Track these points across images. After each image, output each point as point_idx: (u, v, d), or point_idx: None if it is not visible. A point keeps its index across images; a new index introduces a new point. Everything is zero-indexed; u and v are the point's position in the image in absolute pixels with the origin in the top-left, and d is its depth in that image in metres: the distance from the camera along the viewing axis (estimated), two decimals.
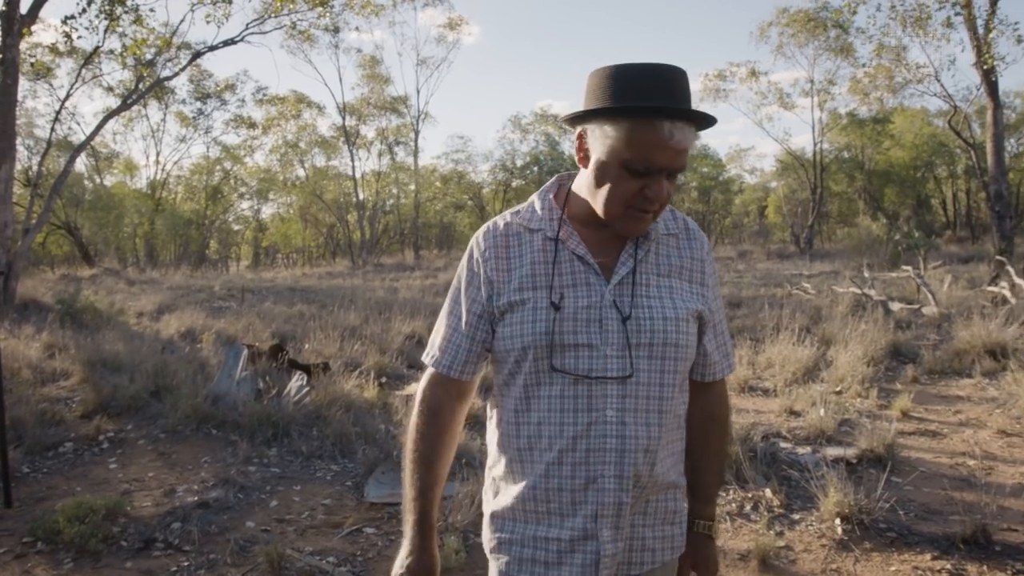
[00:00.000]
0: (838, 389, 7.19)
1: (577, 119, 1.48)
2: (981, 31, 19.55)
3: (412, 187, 42.22)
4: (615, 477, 1.47)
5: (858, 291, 12.34)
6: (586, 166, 1.50)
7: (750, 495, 4.54)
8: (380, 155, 42.61)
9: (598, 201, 1.49)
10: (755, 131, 77.41)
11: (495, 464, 1.62)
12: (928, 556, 3.78)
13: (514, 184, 43.09)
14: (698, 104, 47.10)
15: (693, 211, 54.14)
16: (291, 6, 18.66)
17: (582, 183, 1.54)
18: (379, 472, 4.88)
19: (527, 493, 1.53)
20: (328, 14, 20.79)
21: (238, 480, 4.89)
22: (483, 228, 1.62)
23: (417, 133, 41.79)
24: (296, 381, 6.57)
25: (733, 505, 4.46)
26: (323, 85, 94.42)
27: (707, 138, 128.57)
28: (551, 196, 1.61)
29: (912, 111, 40.27)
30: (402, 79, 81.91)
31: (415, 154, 42.69)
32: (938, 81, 25.24)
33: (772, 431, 5.78)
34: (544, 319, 1.48)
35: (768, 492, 4.52)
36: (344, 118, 39.05)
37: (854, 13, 22.15)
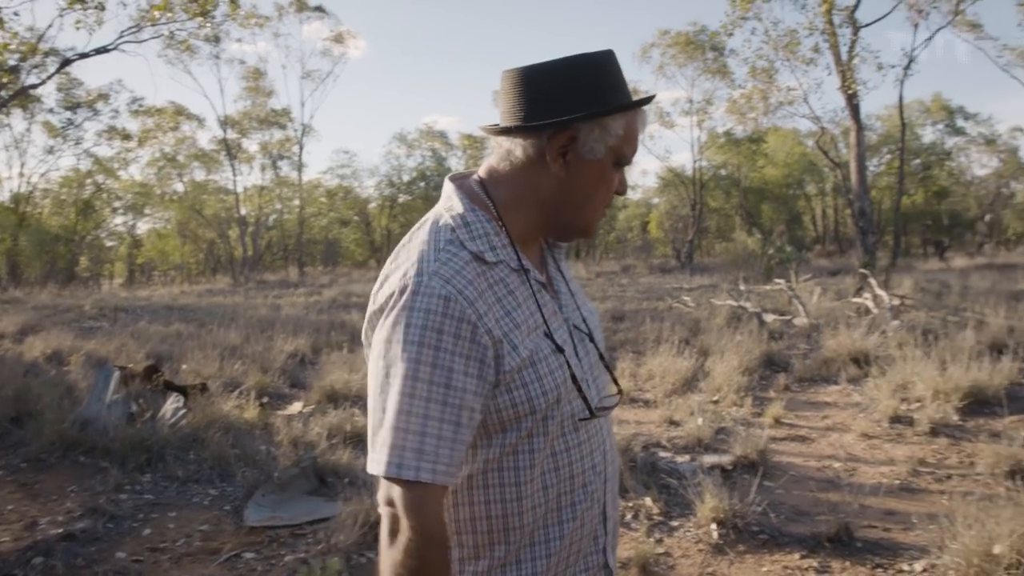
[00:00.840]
0: (715, 399, 7.45)
1: (562, 121, 1.27)
2: (845, 58, 20.72)
3: (296, 202, 41.49)
4: (612, 501, 1.43)
5: (735, 303, 12.82)
6: (564, 173, 1.31)
7: (631, 504, 4.64)
8: (263, 169, 41.72)
9: (577, 208, 1.35)
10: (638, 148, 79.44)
11: (481, 558, 1.30)
12: (797, 555, 3.95)
13: (400, 199, 42.93)
14: None
15: None
16: (169, 15, 18.11)
17: (518, 194, 1.33)
18: (259, 495, 4.76)
19: (559, 556, 1.34)
20: (209, 24, 20.28)
21: (108, 509, 4.67)
22: (445, 268, 1.22)
23: (301, 147, 41.10)
24: (172, 403, 6.34)
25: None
26: (203, 97, 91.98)
27: None
28: (480, 212, 1.32)
29: (784, 131, 42.25)
30: (286, 92, 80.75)
31: (299, 169, 41.97)
32: (807, 103, 26.62)
33: (652, 441, 5.94)
34: (561, 363, 1.30)
35: (648, 500, 4.63)
36: (225, 131, 38.05)
37: (730, 35, 23.15)
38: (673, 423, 6.52)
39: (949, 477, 5.17)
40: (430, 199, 42.05)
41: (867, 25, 22.38)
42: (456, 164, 44.98)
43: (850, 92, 20.44)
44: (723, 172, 44.42)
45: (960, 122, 45.94)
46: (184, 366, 8.69)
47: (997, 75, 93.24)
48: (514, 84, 1.29)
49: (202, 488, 5.12)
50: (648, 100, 1.35)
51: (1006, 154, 47.97)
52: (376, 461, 1.18)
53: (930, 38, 26.38)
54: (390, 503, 1.19)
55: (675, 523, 4.43)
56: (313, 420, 6.20)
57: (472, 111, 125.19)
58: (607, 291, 21.08)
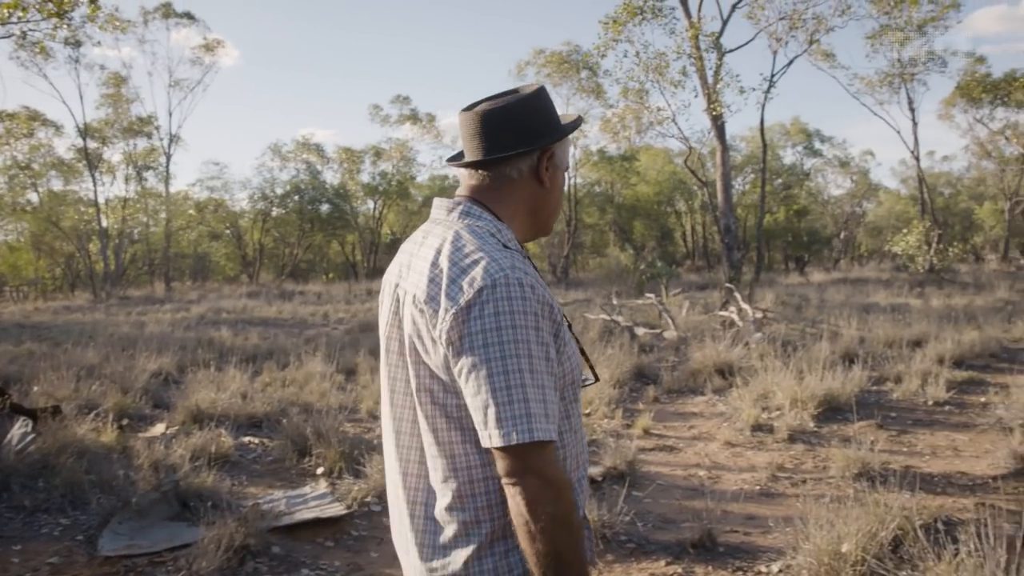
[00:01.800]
0: (587, 411, 7.57)
1: (547, 141, 1.58)
2: (711, 81, 21.59)
3: (163, 215, 39.84)
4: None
5: (607, 317, 13.11)
6: (546, 184, 1.61)
7: None
8: (127, 180, 39.88)
9: (553, 210, 1.66)
10: None
11: (501, 539, 1.45)
12: (663, 562, 4.06)
13: (274, 213, 41.87)
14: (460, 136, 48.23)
15: None
16: (21, 14, 17.12)
17: (515, 206, 1.60)
18: (115, 522, 4.52)
19: (583, 497, 1.62)
20: (66, 26, 19.29)
21: None
22: (517, 263, 1.45)
23: (169, 157, 39.54)
24: (19, 428, 5.94)
25: None
26: (61, 103, 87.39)
27: None
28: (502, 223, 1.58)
29: (656, 150, 43.63)
30: (153, 100, 77.61)
31: (166, 180, 40.35)
32: (676, 124, 27.52)
33: None
34: (571, 339, 1.54)
35: None
36: (85, 139, 36.21)
37: (603, 57, 23.74)
38: None
39: (804, 481, 5.43)
40: (305, 213, 41.21)
41: (731, 51, 23.39)
42: (332, 178, 44.26)
43: (715, 114, 21.31)
44: (597, 189, 45.44)
45: (817, 144, 48.61)
46: (36, 388, 8.17)
47: (850, 101, 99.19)
48: (501, 120, 1.55)
49: (52, 518, 4.82)
50: (582, 120, 1.70)
51: (858, 176, 51.08)
52: (507, 433, 1.32)
53: (788, 65, 27.78)
54: (517, 467, 1.34)
55: None
56: (176, 442, 5.94)
57: (349, 124, 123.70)
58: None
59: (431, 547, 1.50)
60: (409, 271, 1.53)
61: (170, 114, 38.76)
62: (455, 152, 1.69)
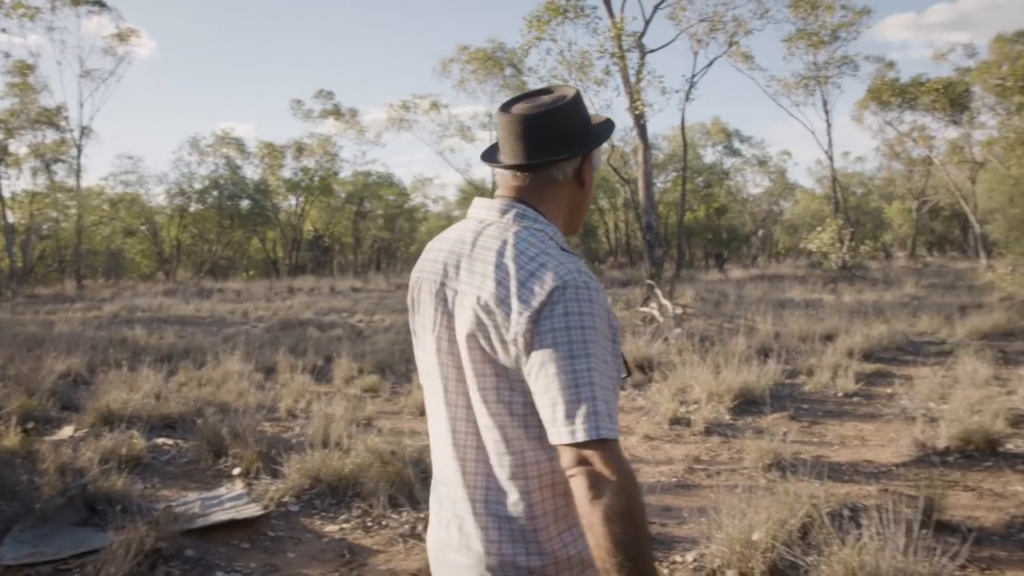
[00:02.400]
0: None
1: (592, 145, 1.64)
2: (633, 81, 21.87)
3: (74, 210, 38.44)
4: None
5: None
6: (586, 186, 1.67)
7: (423, 515, 4.64)
8: (35, 174, 38.34)
9: (586, 210, 1.73)
10: (439, 161, 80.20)
11: (567, 530, 1.52)
12: None
13: (192, 208, 40.81)
14: (383, 132, 47.71)
15: (379, 238, 54.69)
16: None
17: (558, 206, 1.65)
18: (18, 529, 4.35)
19: None
20: None
21: None
22: (582, 266, 1.50)
23: (80, 150, 38.15)
24: None
25: (406, 527, 4.54)
26: None
27: (393, 167, 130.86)
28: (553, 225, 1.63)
29: None
30: (63, 91, 74.72)
31: (77, 174, 38.91)
32: None
33: None
34: None
35: None
36: None
37: (526, 55, 23.84)
38: None
39: (719, 472, 5.55)
40: (224, 209, 40.29)
41: (653, 51, 23.71)
42: (252, 173, 43.39)
43: (638, 113, 21.59)
44: None
45: (737, 144, 49.72)
46: None
47: (768, 102, 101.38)
48: (550, 124, 1.59)
49: None
50: (613, 124, 1.76)
51: (776, 175, 52.43)
52: (580, 429, 1.35)
53: (708, 66, 28.38)
54: (583, 462, 1.36)
55: None
56: (85, 444, 5.75)
57: (271, 119, 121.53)
58: (404, 302, 21.04)
59: (497, 541, 1.51)
60: (462, 271, 1.55)
61: (81, 105, 37.28)
62: (486, 153, 1.74)
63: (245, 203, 41.25)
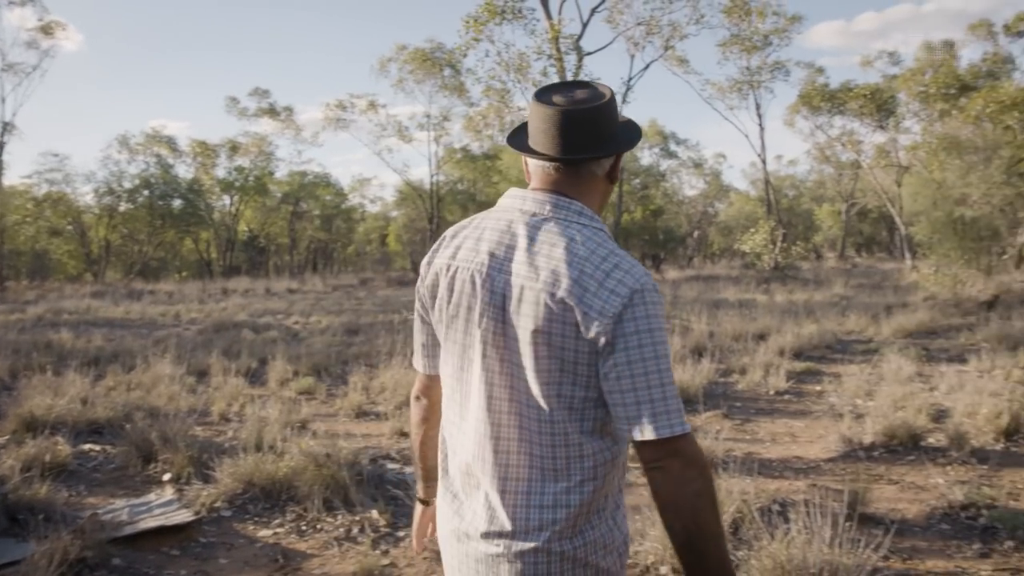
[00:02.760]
0: None
1: (631, 144, 1.68)
2: None
3: None
4: None
5: None
6: (614, 182, 1.70)
7: (358, 518, 4.60)
8: None
9: (605, 206, 1.76)
10: (377, 161, 79.63)
11: (609, 496, 1.60)
12: None
13: (122, 208, 39.76)
14: (320, 132, 47.22)
15: (315, 239, 54.06)
16: None
17: (593, 200, 1.66)
18: None
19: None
20: None
21: None
22: (641, 266, 1.56)
23: (2, 147, 36.90)
24: None
25: (341, 530, 4.49)
26: None
27: (330, 167, 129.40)
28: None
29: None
30: None
31: None
32: None
33: (381, 454, 5.94)
34: None
35: (375, 513, 4.62)
36: None
37: (464, 56, 23.83)
38: (403, 435, 6.56)
39: None
40: (156, 209, 39.37)
41: (590, 53, 23.98)
42: (185, 172, 42.48)
43: None
44: (460, 187, 45.57)
45: (673, 147, 50.44)
46: None
47: (703, 105, 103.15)
48: (595, 120, 1.60)
49: None
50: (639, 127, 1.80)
51: (711, 177, 53.38)
52: (665, 426, 1.45)
53: (645, 69, 28.70)
54: (673, 454, 1.45)
55: (401, 533, 4.45)
56: (6, 452, 5.56)
57: (204, 117, 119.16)
58: (343, 305, 20.87)
59: (538, 529, 1.54)
60: (520, 264, 1.55)
61: (3, 101, 36.06)
62: (513, 139, 1.73)
63: (177, 203, 40.38)
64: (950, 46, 34.87)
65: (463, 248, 1.64)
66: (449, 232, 1.72)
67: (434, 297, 1.69)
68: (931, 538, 4.27)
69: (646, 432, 1.45)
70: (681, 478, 1.45)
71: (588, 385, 1.52)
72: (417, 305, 1.77)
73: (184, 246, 47.42)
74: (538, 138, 1.63)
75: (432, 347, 1.78)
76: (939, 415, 6.76)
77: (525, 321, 1.52)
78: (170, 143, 41.55)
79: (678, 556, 1.49)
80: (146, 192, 39.38)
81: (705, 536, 1.44)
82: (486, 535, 1.58)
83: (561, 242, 1.53)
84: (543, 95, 1.65)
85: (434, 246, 1.72)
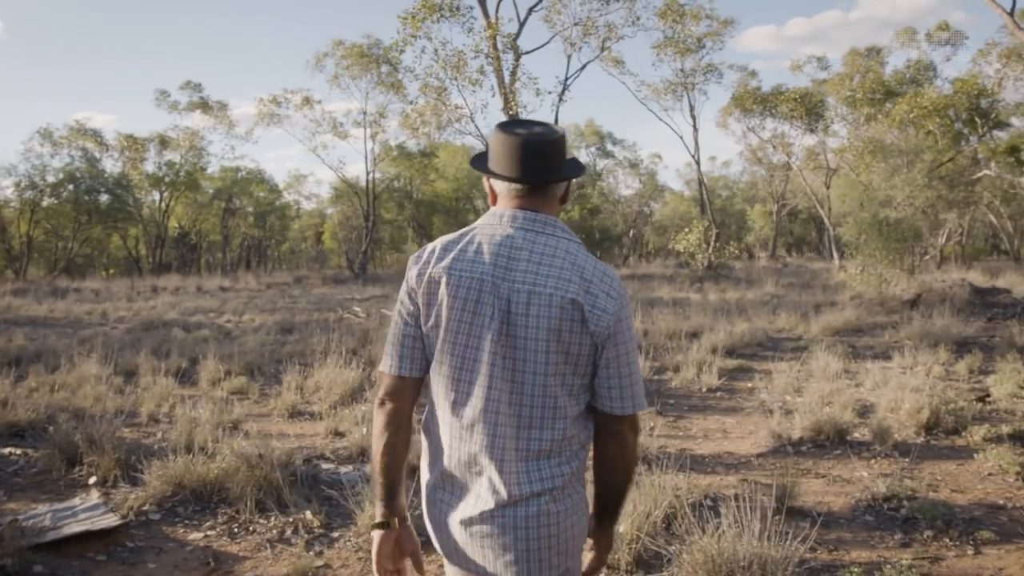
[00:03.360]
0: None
1: (583, 171, 1.99)
2: (508, 81, 22.06)
3: None
4: None
5: None
6: (563, 202, 1.96)
7: (291, 519, 4.54)
8: None
9: None
10: (312, 158, 78.63)
11: (582, 469, 1.89)
12: None
13: (45, 203, 38.44)
14: (254, 127, 46.46)
15: (249, 236, 53.14)
16: None
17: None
18: None
19: None
20: None
21: None
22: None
23: None
24: None
25: (274, 532, 4.43)
26: None
27: (265, 163, 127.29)
28: None
29: (454, 147, 43.99)
30: None
31: None
32: (474, 122, 27.87)
33: (315, 454, 5.87)
34: None
35: (308, 514, 4.56)
36: None
37: (401, 52, 23.65)
38: (338, 434, 6.50)
39: (587, 468, 5.66)
40: (81, 204, 38.16)
41: (528, 52, 24.03)
42: (112, 167, 41.28)
43: (512, 114, 21.79)
44: (396, 184, 45.24)
45: (609, 146, 50.91)
46: None
47: (639, 106, 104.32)
48: (560, 147, 1.87)
49: None
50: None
51: (646, 177, 54.00)
52: (640, 404, 1.85)
53: (582, 69, 28.88)
54: (632, 426, 1.88)
55: (336, 534, 4.40)
56: None
57: (133, 110, 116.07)
58: (277, 303, 20.56)
59: (537, 495, 1.80)
60: (523, 273, 1.78)
61: None
62: (479, 163, 1.98)
63: (104, 198, 39.17)
64: (876, 52, 35.87)
65: (461, 260, 1.82)
66: (438, 244, 1.89)
67: (429, 304, 1.84)
68: (856, 529, 4.40)
69: (626, 408, 1.82)
70: (632, 444, 1.88)
71: (584, 373, 1.82)
72: (403, 311, 1.89)
73: (111, 243, 46.13)
74: (504, 163, 1.85)
75: (413, 350, 1.87)
76: (864, 410, 6.96)
77: (536, 321, 1.75)
78: (96, 136, 40.27)
79: (612, 504, 1.95)
80: (71, 187, 38.10)
81: (630, 487, 1.97)
82: (493, 511, 1.80)
83: (559, 253, 1.80)
84: (507, 127, 1.88)
85: (422, 257, 1.88)
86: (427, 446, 1.92)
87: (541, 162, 1.83)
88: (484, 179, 1.97)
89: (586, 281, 1.77)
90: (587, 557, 2.01)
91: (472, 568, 1.86)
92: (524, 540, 1.79)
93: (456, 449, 1.83)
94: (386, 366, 1.89)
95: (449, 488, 1.86)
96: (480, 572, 1.85)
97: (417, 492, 4.85)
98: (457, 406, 1.82)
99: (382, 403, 1.89)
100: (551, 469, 1.80)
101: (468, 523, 1.82)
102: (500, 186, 1.89)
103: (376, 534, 1.91)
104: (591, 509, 1.99)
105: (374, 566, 1.93)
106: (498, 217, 1.87)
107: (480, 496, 1.81)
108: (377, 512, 1.91)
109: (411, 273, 1.88)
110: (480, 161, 1.95)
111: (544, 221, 1.84)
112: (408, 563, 1.95)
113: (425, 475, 1.92)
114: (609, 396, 1.81)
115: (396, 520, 1.90)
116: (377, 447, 1.89)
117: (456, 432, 1.83)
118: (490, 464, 1.79)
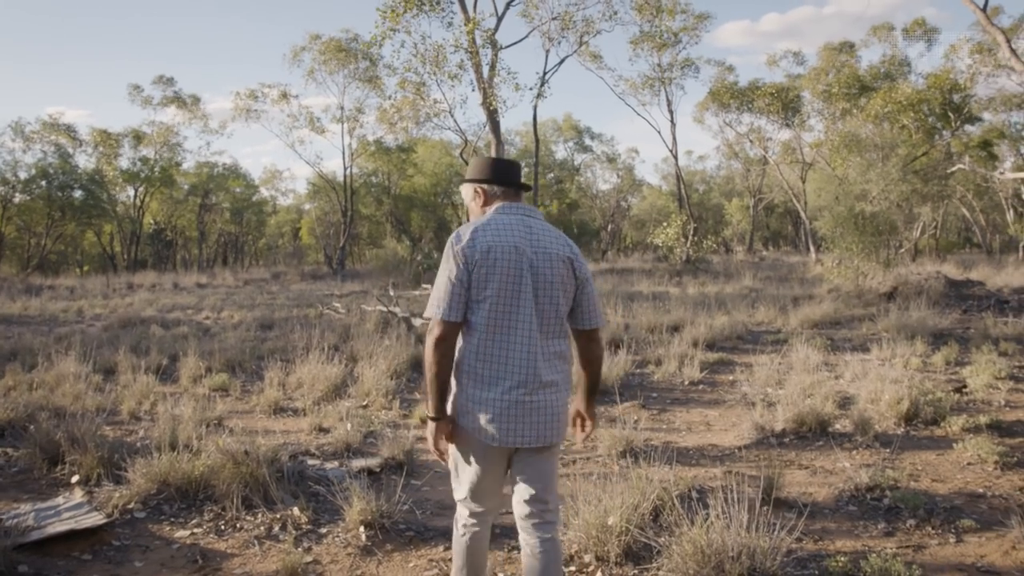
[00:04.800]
0: (365, 403, 7.52)
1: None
2: (487, 76, 22.00)
3: None
4: None
5: (384, 309, 13.05)
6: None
7: (279, 516, 4.52)
8: None
9: None
10: (289, 153, 78.06)
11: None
12: (441, 548, 4.12)
13: (17, 199, 37.93)
14: (230, 122, 46.08)
15: (225, 232, 52.75)
16: None
17: None
18: None
19: None
20: None
21: None
22: None
23: None
24: None
25: (262, 528, 4.41)
26: None
27: (241, 158, 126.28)
28: None
29: (433, 142, 43.92)
30: None
31: None
32: (453, 117, 27.88)
33: (301, 450, 5.85)
34: None
35: (296, 510, 4.55)
36: None
37: (380, 46, 23.53)
38: (322, 430, 6.48)
39: (575, 461, 5.69)
40: (54, 200, 37.71)
41: (506, 47, 23.97)
42: (86, 162, 40.81)
43: (491, 108, 21.76)
44: (374, 179, 45.07)
45: (587, 141, 50.98)
46: None
47: (617, 101, 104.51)
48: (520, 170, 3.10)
49: None
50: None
51: (624, 172, 54.11)
52: (603, 320, 3.01)
53: (560, 64, 28.91)
54: (599, 337, 3.02)
55: (324, 530, 4.39)
56: None
57: (107, 105, 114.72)
58: (256, 299, 20.44)
59: (562, 372, 2.89)
60: (541, 241, 2.84)
61: None
62: (479, 175, 3.03)
63: (78, 194, 38.73)
64: (850, 47, 36.16)
65: (499, 235, 2.77)
66: (476, 227, 2.80)
67: (486, 264, 2.71)
68: (840, 519, 4.45)
69: (599, 322, 2.95)
70: (600, 346, 3.02)
71: (568, 303, 2.89)
72: (457, 272, 2.72)
73: (86, 239, 45.66)
74: (511, 178, 2.97)
75: (460, 303, 2.73)
76: (845, 402, 7.04)
77: (551, 272, 2.81)
78: (69, 131, 39.79)
79: (595, 385, 3.04)
80: (43, 182, 37.64)
81: (602, 373, 3.32)
82: (543, 386, 2.79)
83: (552, 229, 2.92)
84: (497, 158, 3.05)
85: (464, 238, 2.75)
86: (487, 361, 2.76)
87: (519, 174, 3.03)
88: (473, 189, 3.00)
89: (568, 245, 2.90)
90: (582, 432, 3.18)
91: (512, 426, 2.76)
92: (549, 408, 2.82)
93: (512, 359, 2.76)
94: (441, 313, 2.70)
95: (510, 382, 2.75)
96: (518, 426, 2.76)
97: (406, 487, 4.85)
98: (508, 334, 2.76)
99: (440, 342, 2.72)
100: (566, 368, 2.91)
101: (524, 399, 2.76)
102: (496, 190, 2.96)
103: (432, 424, 2.81)
104: (580, 396, 3.06)
105: (431, 446, 2.84)
106: (505, 209, 2.89)
107: (533, 377, 2.77)
108: (432, 409, 2.78)
109: (459, 247, 2.73)
110: (476, 176, 3.01)
111: (532, 210, 2.95)
112: (450, 445, 2.89)
113: (484, 378, 2.77)
114: (589, 316, 2.92)
115: (445, 414, 2.81)
116: (438, 369, 2.73)
117: (509, 349, 2.76)
118: (537, 362, 2.77)
